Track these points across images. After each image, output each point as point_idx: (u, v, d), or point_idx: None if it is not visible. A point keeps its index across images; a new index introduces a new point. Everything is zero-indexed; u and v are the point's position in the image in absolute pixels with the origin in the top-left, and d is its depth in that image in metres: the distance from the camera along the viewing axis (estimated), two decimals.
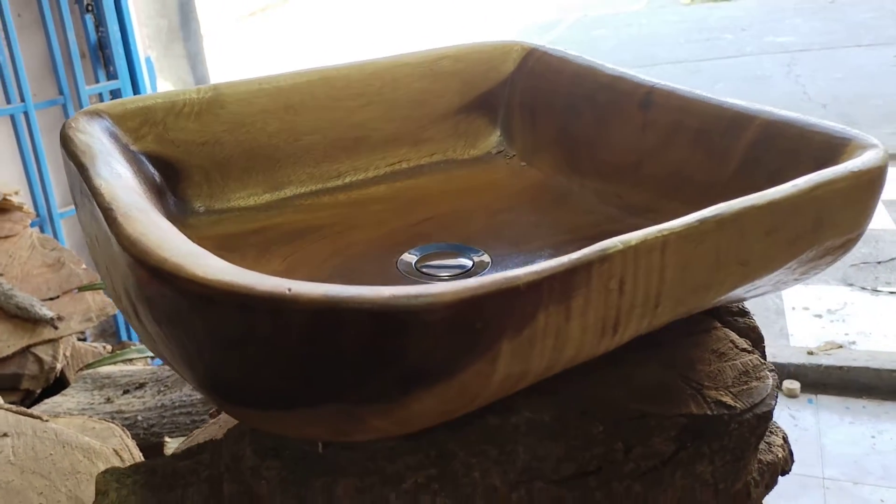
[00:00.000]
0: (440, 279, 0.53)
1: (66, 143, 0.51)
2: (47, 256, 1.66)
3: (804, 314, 2.42)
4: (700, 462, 0.46)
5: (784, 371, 2.12)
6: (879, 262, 2.70)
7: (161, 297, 0.38)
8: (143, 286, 0.39)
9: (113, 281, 0.46)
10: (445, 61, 0.70)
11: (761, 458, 0.51)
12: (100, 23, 2.17)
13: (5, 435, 0.93)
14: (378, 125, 0.67)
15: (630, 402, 0.46)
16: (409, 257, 0.55)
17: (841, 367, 2.10)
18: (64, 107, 2.07)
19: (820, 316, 2.41)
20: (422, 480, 0.44)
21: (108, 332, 2.15)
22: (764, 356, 0.53)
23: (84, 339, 1.79)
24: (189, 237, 0.55)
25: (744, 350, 0.52)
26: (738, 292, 0.44)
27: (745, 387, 0.49)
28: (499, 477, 0.44)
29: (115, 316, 2.06)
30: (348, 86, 0.66)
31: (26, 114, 1.97)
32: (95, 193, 0.45)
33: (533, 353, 0.36)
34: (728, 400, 0.47)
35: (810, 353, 2.17)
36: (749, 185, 0.51)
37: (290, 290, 0.34)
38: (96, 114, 0.56)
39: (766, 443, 0.52)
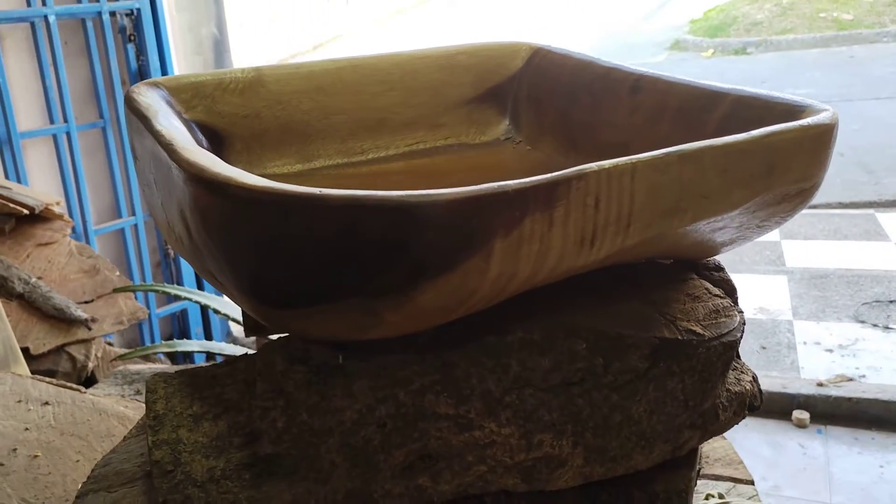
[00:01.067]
0: None
1: (130, 103, 0.60)
2: (84, 263, 1.75)
3: (815, 348, 2.45)
4: (671, 379, 0.53)
5: (794, 401, 2.16)
6: (892, 302, 2.72)
7: (213, 205, 0.45)
8: (199, 199, 0.46)
9: (167, 212, 0.54)
10: (461, 56, 0.78)
11: (730, 388, 0.57)
12: (141, 52, 2.30)
13: (46, 403, 1.00)
14: (399, 109, 0.75)
15: (611, 327, 0.53)
16: None
17: (850, 399, 2.13)
18: (104, 129, 2.19)
19: (831, 350, 2.44)
20: (427, 383, 0.51)
21: (133, 345, 2.23)
22: (735, 304, 0.60)
23: (111, 345, 1.87)
24: None
25: (716, 296, 0.58)
26: (705, 227, 0.51)
27: (713, 321, 0.55)
28: (494, 383, 0.51)
29: (139, 327, 2.15)
30: (373, 73, 0.74)
31: (68, 134, 2.09)
32: (157, 134, 0.53)
33: (521, 255, 0.44)
34: (698, 329, 0.54)
35: (820, 384, 2.20)
36: None
37: (320, 191, 0.42)
38: (155, 85, 0.65)
39: (737, 378, 0.59)
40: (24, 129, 1.99)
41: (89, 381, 1.62)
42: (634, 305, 0.56)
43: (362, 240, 0.42)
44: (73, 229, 2.12)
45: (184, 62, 2.70)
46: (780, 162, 0.50)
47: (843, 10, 7.85)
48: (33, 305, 1.62)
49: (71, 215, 2.12)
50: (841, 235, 3.24)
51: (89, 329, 1.62)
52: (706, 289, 0.59)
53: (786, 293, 2.81)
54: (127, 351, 1.49)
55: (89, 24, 2.11)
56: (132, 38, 2.28)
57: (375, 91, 0.74)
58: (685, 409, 0.53)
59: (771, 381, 2.20)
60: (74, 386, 1.04)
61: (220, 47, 3.19)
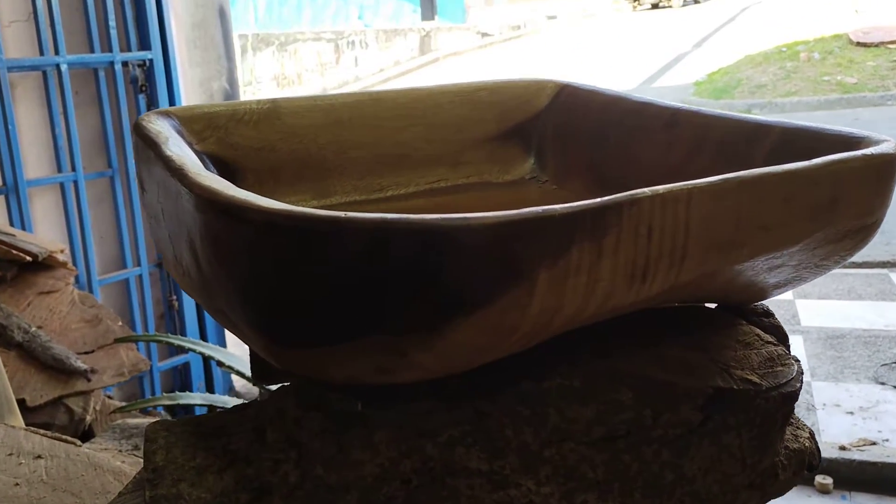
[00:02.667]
0: None
1: (139, 130, 0.56)
2: (86, 313, 1.71)
3: (835, 410, 2.38)
4: (727, 434, 0.47)
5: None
6: None
7: (227, 231, 0.41)
8: (211, 225, 0.42)
9: (175, 245, 0.50)
10: (483, 92, 0.75)
11: (788, 444, 0.52)
12: (152, 102, 2.30)
13: (39, 457, 0.94)
14: (419, 145, 0.72)
15: (659, 374, 0.48)
16: None
17: (875, 464, 2.05)
18: (112, 179, 2.17)
19: (852, 413, 2.37)
20: (457, 434, 0.46)
21: (133, 399, 2.17)
22: (789, 351, 0.55)
23: (110, 397, 1.81)
24: None
25: (769, 342, 0.54)
26: (762, 264, 0.47)
27: (770, 370, 0.50)
28: (531, 435, 0.46)
29: (140, 381, 2.09)
30: (394, 107, 0.71)
31: (76, 183, 2.06)
32: (167, 160, 0.49)
33: (567, 288, 0.39)
34: (754, 378, 0.49)
35: (843, 448, 2.12)
36: None
37: (346, 215, 0.38)
38: (166, 114, 0.62)
39: (794, 434, 0.53)
40: (32, 176, 1.98)
41: (87, 435, 1.56)
42: (682, 350, 0.51)
43: (390, 268, 0.38)
44: (77, 279, 2.08)
45: None
46: (844, 193, 0.46)
47: (846, 74, 7.94)
48: (32, 355, 1.57)
49: (75, 264, 2.09)
50: (855, 295, 3.19)
51: (89, 381, 1.57)
52: (757, 335, 0.54)
53: (802, 353, 2.75)
54: (126, 404, 1.43)
55: (101, 74, 2.11)
56: (144, 88, 2.27)
57: (396, 126, 0.71)
58: (743, 468, 0.48)
59: None
60: (69, 439, 0.99)
61: (231, 98, 3.20)
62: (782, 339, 0.56)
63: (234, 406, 0.50)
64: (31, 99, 2.04)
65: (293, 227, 0.38)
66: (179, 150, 0.52)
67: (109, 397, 1.82)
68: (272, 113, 0.66)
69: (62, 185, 2.06)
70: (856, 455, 2.09)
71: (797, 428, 0.54)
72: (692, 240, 0.42)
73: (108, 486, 0.90)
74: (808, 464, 0.53)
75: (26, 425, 1.44)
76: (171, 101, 2.31)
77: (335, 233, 0.38)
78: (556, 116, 0.76)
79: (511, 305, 0.38)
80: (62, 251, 1.76)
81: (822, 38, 9.00)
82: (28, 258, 1.62)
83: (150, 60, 2.21)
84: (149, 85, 2.28)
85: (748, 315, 0.58)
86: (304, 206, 0.67)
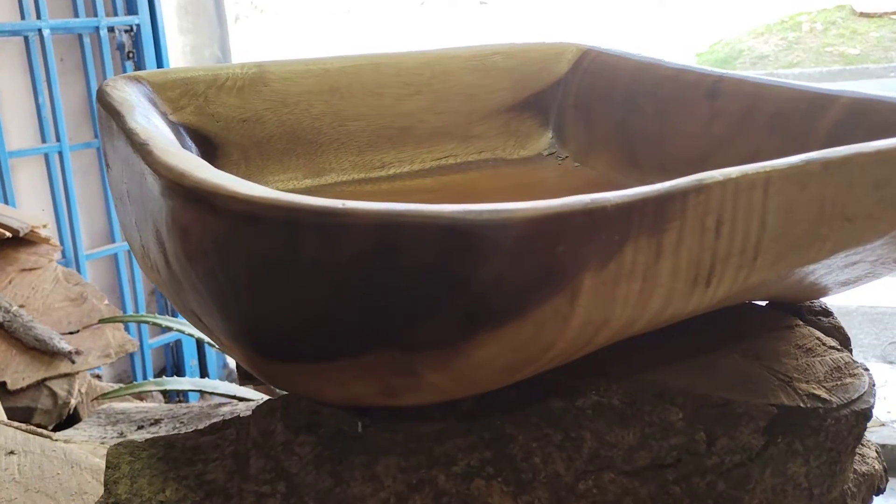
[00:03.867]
0: None
1: (102, 97, 0.48)
2: (70, 291, 1.63)
3: None
4: (793, 460, 0.40)
5: None
6: None
7: (197, 223, 0.34)
8: (178, 215, 0.35)
9: (141, 233, 0.42)
10: (497, 57, 0.67)
11: (857, 468, 0.45)
12: (139, 69, 2.20)
13: (12, 453, 0.87)
14: (426, 116, 0.64)
15: (712, 390, 0.41)
16: None
17: (885, 446, 1.99)
18: (99, 150, 2.08)
19: None
20: (475, 463, 0.38)
21: (124, 378, 2.11)
22: (853, 357, 0.48)
23: (99, 378, 1.74)
24: None
25: (832, 347, 0.46)
26: (839, 261, 0.39)
27: (838, 382, 0.43)
28: (563, 464, 0.38)
29: (131, 358, 2.02)
30: (397, 73, 0.63)
31: (60, 154, 1.97)
32: (130, 133, 0.41)
33: (617, 295, 0.32)
34: (822, 393, 0.42)
35: None
36: None
37: (343, 204, 0.30)
38: (136, 80, 0.54)
39: (860, 454, 0.46)
40: (14, 147, 1.89)
41: (72, 419, 1.49)
42: (735, 360, 0.44)
43: (400, 272, 0.30)
44: (63, 254, 2.00)
45: None
46: None
47: (849, 45, 7.80)
48: (13, 336, 1.49)
49: (61, 239, 2.01)
50: None
51: (73, 362, 1.49)
52: (818, 339, 0.47)
53: None
54: (110, 390, 1.36)
55: (86, 40, 2.01)
56: (131, 55, 2.17)
57: (399, 94, 0.63)
58: (809, 500, 0.40)
59: None
60: (45, 432, 0.91)
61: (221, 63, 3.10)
62: (844, 342, 0.49)
63: (212, 424, 0.42)
64: (13, 66, 1.94)
65: (278, 220, 0.31)
66: (146, 122, 0.44)
67: (98, 376, 1.75)
68: (258, 79, 0.58)
69: (46, 157, 1.97)
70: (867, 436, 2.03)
71: (862, 445, 0.47)
72: (769, 234, 0.34)
73: (84, 486, 0.83)
74: (877, 487, 0.46)
75: (7, 409, 1.37)
76: (160, 68, 2.21)
77: (331, 228, 0.30)
78: (578, 84, 0.68)
79: (548, 318, 0.31)
80: (45, 226, 1.67)
81: (825, 8, 8.85)
82: (8, 234, 1.54)
83: (137, 26, 2.11)
84: (136, 51, 2.18)
85: (804, 314, 0.50)
86: (295, 187, 0.59)
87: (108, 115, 0.46)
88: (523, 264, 0.29)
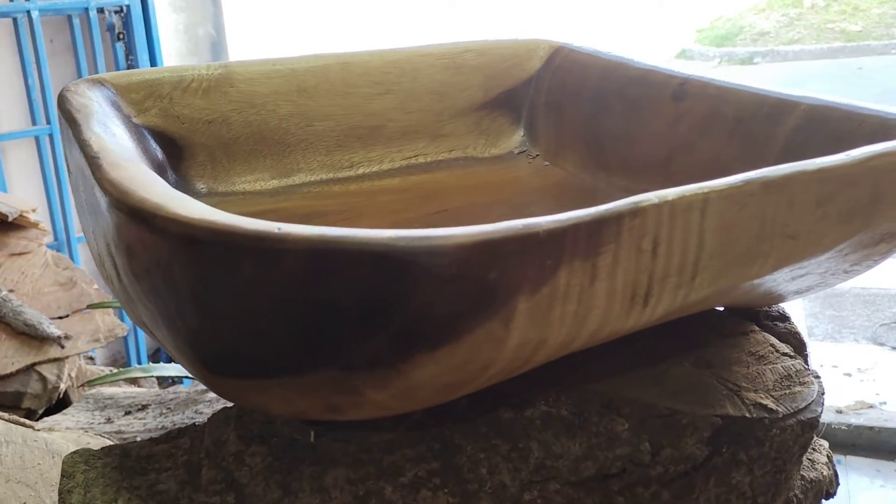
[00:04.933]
0: None
1: (62, 104, 0.48)
2: (60, 275, 1.63)
3: (833, 372, 2.33)
4: (737, 470, 0.41)
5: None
6: None
7: (140, 243, 0.34)
8: (123, 233, 0.35)
9: (97, 242, 0.42)
10: (468, 55, 0.67)
11: (804, 474, 0.45)
12: (130, 52, 2.19)
13: None
14: (395, 116, 0.64)
15: (659, 400, 0.41)
16: None
17: (872, 428, 2.01)
18: None
19: (849, 375, 2.32)
20: (422, 474, 0.39)
21: (118, 360, 2.12)
22: (807, 363, 0.48)
23: (92, 360, 1.75)
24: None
25: (785, 354, 0.47)
26: (784, 275, 0.40)
27: (787, 391, 0.43)
28: (509, 475, 0.39)
29: (125, 340, 2.03)
30: (366, 73, 0.63)
31: (51, 136, 1.97)
32: (84, 144, 0.41)
33: (552, 318, 0.32)
34: (769, 403, 0.42)
35: (839, 411, 2.08)
36: None
37: (279, 229, 0.30)
38: (99, 82, 0.54)
39: (810, 459, 0.47)
40: (5, 130, 1.88)
41: (62, 403, 1.50)
42: (687, 369, 0.44)
43: (336, 297, 0.30)
44: (55, 237, 2.00)
45: (177, 62, 2.59)
46: (885, 192, 0.39)
47: (851, 22, 7.73)
48: (2, 321, 1.50)
49: (53, 222, 2.01)
50: None
51: (62, 347, 1.50)
52: (772, 346, 0.47)
53: (800, 312, 2.70)
54: (97, 376, 1.37)
55: (76, 21, 2.00)
56: (121, 36, 2.16)
57: (368, 94, 0.63)
58: None
59: None
60: (28, 422, 0.92)
61: (217, 48, 3.08)
62: (799, 347, 0.49)
63: (167, 433, 0.43)
64: (2, 48, 1.93)
65: (216, 243, 0.31)
66: (103, 131, 0.44)
67: (91, 359, 1.76)
68: (224, 79, 0.58)
69: (37, 139, 1.97)
70: (852, 418, 2.05)
71: (813, 450, 0.48)
72: (707, 254, 0.35)
73: None
74: (825, 493, 0.46)
75: None
76: (151, 50, 2.20)
77: (267, 252, 0.30)
78: (550, 82, 0.68)
79: (483, 340, 0.31)
80: (34, 210, 1.67)
81: None
82: None
83: (128, 6, 2.10)
84: (126, 32, 2.17)
85: (761, 319, 0.51)
86: (262, 188, 0.59)
87: (66, 122, 0.46)
88: (455, 290, 0.30)
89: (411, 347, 0.31)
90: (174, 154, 0.56)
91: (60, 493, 0.39)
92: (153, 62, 2.22)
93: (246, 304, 0.32)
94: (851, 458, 2.00)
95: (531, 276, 0.31)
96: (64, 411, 1.36)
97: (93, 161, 0.39)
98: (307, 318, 0.31)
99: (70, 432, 1.01)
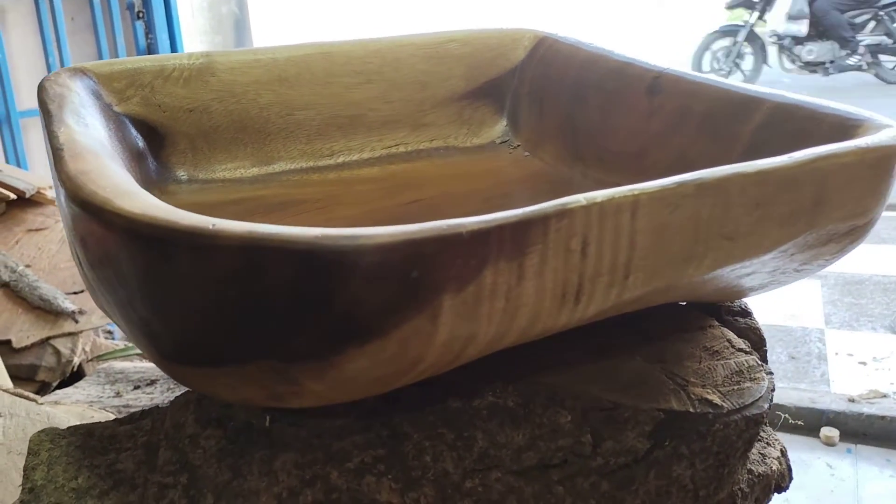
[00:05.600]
0: None
1: (40, 93, 0.50)
2: None
3: (848, 360, 2.32)
4: (678, 463, 0.42)
5: (823, 417, 2.03)
6: None
7: (92, 235, 0.35)
8: (77, 224, 0.36)
9: (61, 212, 0.44)
10: (452, 44, 0.67)
11: (753, 468, 0.46)
12: (150, 30, 2.21)
13: None
14: (376, 105, 0.64)
15: (604, 394, 0.42)
16: None
17: (884, 417, 2.00)
18: None
19: (864, 363, 2.30)
20: (368, 460, 0.40)
21: None
22: (764, 359, 0.49)
23: (111, 334, 1.79)
24: (166, 202, 0.53)
25: (740, 350, 0.47)
26: (728, 275, 0.40)
27: (735, 387, 0.44)
28: (452, 463, 0.40)
29: None
30: (347, 62, 0.63)
31: None
32: (52, 136, 0.43)
33: (480, 314, 0.33)
34: (715, 398, 0.43)
35: (852, 400, 2.06)
36: None
37: (213, 225, 0.32)
38: (81, 71, 0.55)
39: (761, 454, 0.48)
40: (25, 107, 1.92)
41: (76, 376, 1.54)
42: (637, 363, 0.45)
43: (267, 292, 0.32)
44: None
45: (198, 41, 2.61)
46: (830, 194, 0.39)
47: None
48: (19, 295, 1.54)
49: None
50: (878, 239, 3.08)
51: (76, 322, 1.54)
52: (728, 341, 0.48)
53: (818, 299, 2.67)
54: (108, 351, 1.40)
55: (96, 0, 2.03)
56: (140, 14, 2.19)
57: (349, 83, 0.64)
58: (695, 501, 0.42)
59: (799, 395, 2.08)
60: (31, 396, 0.95)
61: (240, 26, 3.10)
62: (757, 343, 0.50)
63: (131, 414, 0.45)
64: (24, 26, 1.96)
65: (154, 237, 0.32)
66: (74, 122, 0.45)
67: (109, 332, 1.80)
68: (206, 69, 0.59)
69: None
70: (864, 408, 2.03)
71: (767, 444, 0.48)
72: (639, 254, 0.35)
73: None
74: (775, 486, 0.47)
75: (12, 366, 1.42)
76: (170, 29, 2.23)
77: (201, 248, 0.32)
78: (533, 72, 0.68)
79: (411, 336, 0.32)
80: (51, 187, 1.71)
81: None
82: (13, 196, 1.58)
83: None
84: (146, 10, 2.19)
85: (722, 314, 0.51)
86: (242, 175, 0.61)
87: (41, 112, 0.48)
88: (379, 288, 0.31)
89: (342, 342, 0.32)
90: (155, 142, 0.58)
91: (25, 469, 0.41)
92: (172, 40, 2.24)
93: (186, 298, 0.33)
94: (862, 448, 1.99)
95: (455, 275, 0.31)
96: (76, 384, 1.40)
97: (57, 153, 0.40)
98: (242, 311, 0.33)
99: (75, 406, 1.04)
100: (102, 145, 0.45)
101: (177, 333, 0.35)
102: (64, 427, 0.87)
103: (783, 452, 0.49)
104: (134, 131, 0.56)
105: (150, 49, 2.23)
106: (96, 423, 0.44)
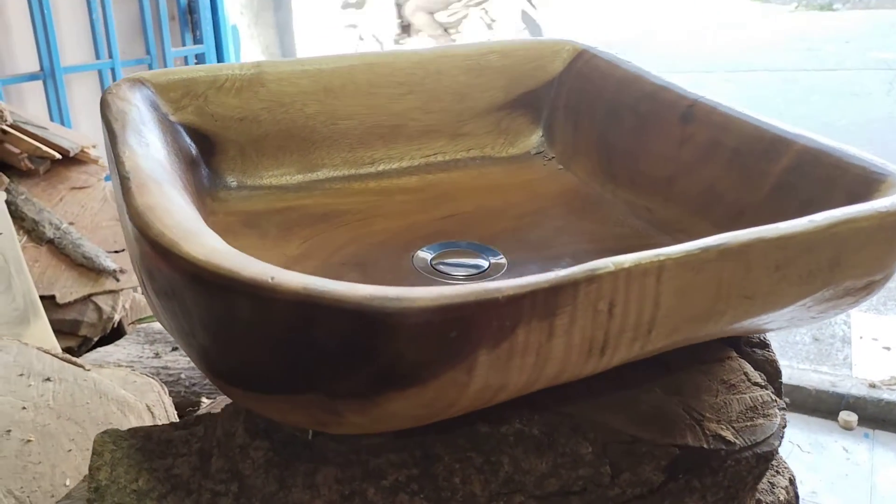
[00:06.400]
0: (454, 278, 0.53)
1: (104, 109, 0.52)
2: (117, 210, 1.72)
3: (872, 345, 2.32)
4: (690, 496, 0.45)
5: (843, 402, 2.05)
6: None
7: (158, 271, 0.39)
8: (144, 258, 0.40)
9: (127, 241, 0.47)
10: (493, 56, 0.69)
11: (761, 498, 0.49)
12: None
13: (48, 380, 0.97)
14: (417, 115, 0.67)
15: (624, 426, 0.45)
16: (426, 254, 0.55)
17: None
18: (150, 66, 2.14)
19: (888, 348, 2.31)
20: (402, 479, 0.44)
21: None
22: (779, 393, 0.51)
23: None
24: (217, 210, 0.56)
25: (756, 384, 0.50)
26: (745, 325, 0.43)
27: (749, 423, 0.47)
28: (480, 485, 0.44)
29: None
30: (391, 73, 0.66)
31: (113, 70, 2.04)
32: (118, 162, 0.46)
33: (511, 367, 0.36)
34: (728, 435, 0.46)
35: (872, 385, 2.08)
36: (780, 211, 0.49)
37: (272, 278, 0.35)
38: (139, 82, 0.58)
39: (770, 482, 0.51)
40: (69, 63, 1.95)
41: (116, 332, 1.60)
42: (657, 395, 0.48)
43: (320, 341, 0.35)
44: None
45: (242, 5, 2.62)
46: (848, 255, 0.41)
47: None
48: (62, 252, 1.60)
49: None
50: None
51: (117, 280, 1.59)
52: (745, 374, 0.50)
53: None
54: (147, 315, 1.46)
55: None
56: None
57: (392, 94, 0.66)
58: None
59: (820, 378, 2.10)
60: (78, 362, 1.00)
61: None
62: (773, 376, 0.52)
63: (185, 419, 0.49)
64: None
65: (217, 285, 0.35)
66: (136, 144, 0.48)
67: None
68: (256, 80, 0.62)
69: (99, 73, 2.04)
70: (885, 394, 2.05)
71: (776, 473, 0.51)
72: (662, 313, 0.38)
73: (110, 417, 0.92)
74: None
75: (56, 321, 1.48)
76: None
77: (260, 299, 0.35)
78: (571, 85, 0.70)
79: (447, 385, 0.35)
80: (94, 146, 1.75)
81: None
82: (59, 155, 1.62)
83: None
84: None
85: (741, 346, 0.53)
86: (287, 182, 0.64)
87: (105, 130, 0.51)
88: (421, 345, 0.34)
89: (384, 386, 0.35)
90: (207, 149, 0.61)
91: (90, 469, 0.45)
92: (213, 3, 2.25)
93: (244, 338, 0.36)
94: (880, 433, 2.01)
95: (491, 335, 0.34)
96: (116, 343, 1.46)
97: (124, 182, 0.44)
98: (296, 354, 0.36)
99: (118, 370, 1.09)
100: (163, 167, 0.48)
101: (233, 365, 0.39)
102: (110, 394, 0.92)
103: (791, 481, 0.51)
104: (188, 139, 0.59)
105: (191, 7, 2.25)
106: (154, 426, 0.48)
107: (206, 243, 0.37)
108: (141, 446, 0.47)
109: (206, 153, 0.60)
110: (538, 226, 0.60)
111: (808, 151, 0.50)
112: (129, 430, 0.48)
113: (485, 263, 0.55)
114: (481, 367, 0.35)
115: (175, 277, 0.37)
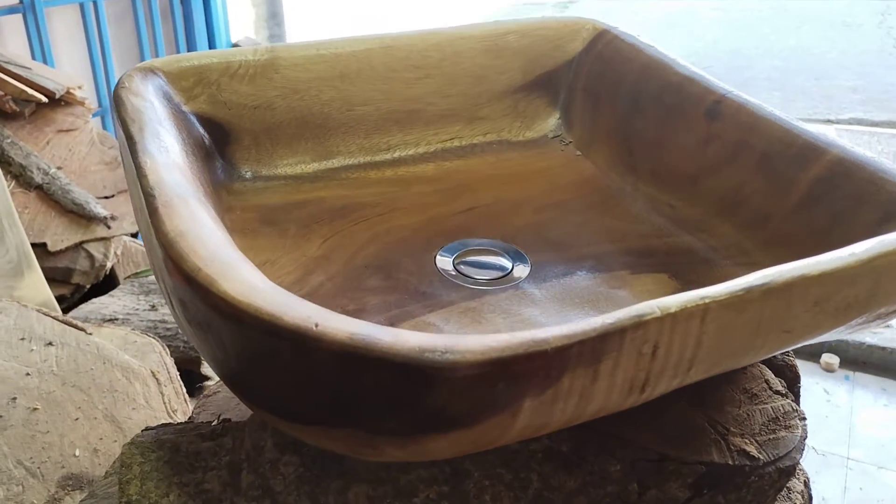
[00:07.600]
0: (478, 282, 0.53)
1: (118, 106, 0.51)
2: (105, 154, 1.68)
3: None
4: None
5: (824, 344, 2.09)
6: None
7: (192, 302, 0.38)
8: (177, 287, 0.39)
9: (152, 256, 0.46)
10: (511, 36, 0.67)
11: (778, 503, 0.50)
12: None
13: (50, 344, 0.96)
14: (434, 100, 0.65)
15: (652, 444, 0.46)
16: (447, 254, 0.55)
17: (884, 348, 2.06)
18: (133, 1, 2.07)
19: None
20: (433, 496, 0.44)
21: None
22: (797, 398, 0.52)
23: (136, 236, 1.83)
24: (233, 206, 0.55)
25: (777, 392, 0.50)
26: (778, 353, 0.43)
27: (772, 436, 0.48)
28: (510, 502, 0.44)
29: None
30: (408, 56, 0.63)
31: (95, 3, 1.97)
32: (140, 174, 0.44)
33: (555, 410, 0.36)
34: (752, 450, 0.46)
35: None
36: (808, 223, 0.49)
37: (316, 325, 0.34)
38: (151, 71, 0.56)
39: (787, 487, 0.52)
40: None
41: (109, 280, 1.59)
42: (682, 408, 0.48)
43: (362, 388, 0.35)
44: (99, 103, 2.04)
45: None
46: (885, 286, 0.41)
47: None
48: (52, 198, 1.57)
49: (97, 89, 2.04)
50: None
51: (108, 227, 1.57)
52: (766, 381, 0.51)
53: None
54: (142, 269, 1.44)
55: None
56: None
57: (409, 78, 0.64)
58: None
59: None
60: (80, 325, 1.00)
61: None
62: (792, 381, 0.53)
63: (212, 429, 0.49)
64: None
65: (258, 328, 0.35)
66: (156, 151, 0.47)
67: (135, 235, 1.84)
68: (270, 66, 0.60)
69: (81, 6, 1.97)
70: (866, 337, 2.09)
71: (792, 478, 0.52)
72: (703, 350, 0.38)
73: (115, 384, 0.92)
74: None
75: (48, 269, 1.46)
76: None
77: (304, 346, 0.34)
78: (590, 67, 0.68)
79: (492, 428, 0.35)
80: (80, 87, 1.70)
81: None
82: (45, 98, 1.58)
83: None
84: None
85: None
86: (303, 171, 0.62)
87: (122, 131, 0.49)
88: (468, 396, 0.34)
89: (427, 430, 0.36)
90: (221, 139, 0.59)
91: (120, 482, 0.45)
92: None
93: (284, 376, 0.36)
94: (860, 375, 2.06)
95: (537, 384, 0.34)
96: (111, 293, 1.45)
97: (149, 200, 0.42)
98: (337, 396, 0.36)
99: (117, 329, 1.08)
100: (184, 175, 0.47)
101: (270, 398, 0.38)
102: (114, 360, 0.91)
103: (806, 484, 0.53)
104: (202, 130, 0.57)
105: None
106: (181, 437, 0.48)
107: (244, 280, 0.37)
108: (169, 458, 0.47)
109: (219, 143, 0.59)
110: (558, 221, 0.59)
111: (841, 163, 0.49)
112: (156, 441, 0.48)
113: (508, 265, 0.54)
114: (525, 412, 0.35)
115: (212, 315, 0.37)
